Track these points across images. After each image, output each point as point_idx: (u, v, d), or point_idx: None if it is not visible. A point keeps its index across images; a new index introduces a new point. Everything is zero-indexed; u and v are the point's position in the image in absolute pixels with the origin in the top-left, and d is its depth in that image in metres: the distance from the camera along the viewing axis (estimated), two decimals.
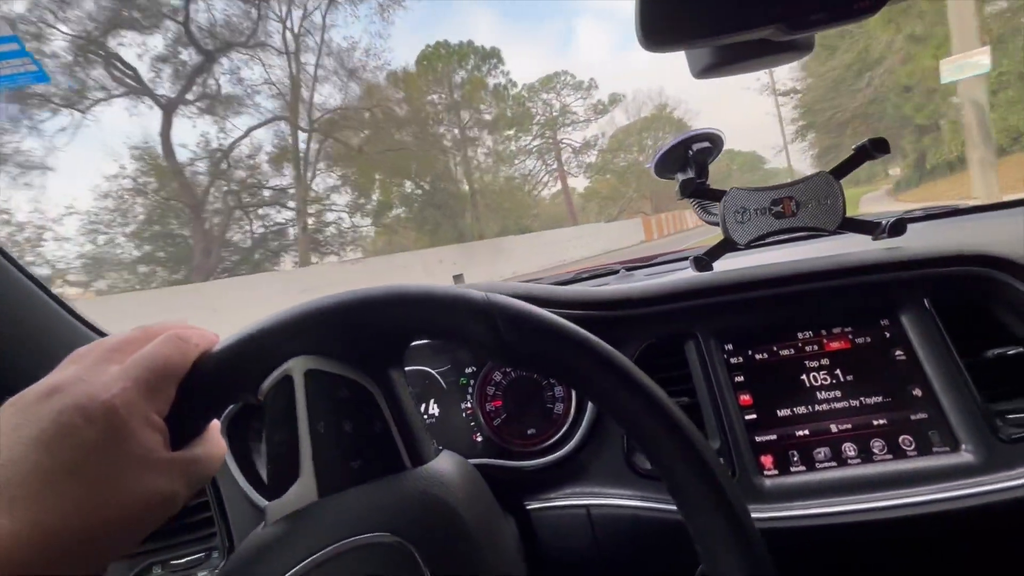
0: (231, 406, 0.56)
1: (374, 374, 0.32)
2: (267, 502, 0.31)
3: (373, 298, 0.30)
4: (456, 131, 29.84)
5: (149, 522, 0.27)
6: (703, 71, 0.53)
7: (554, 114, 37.83)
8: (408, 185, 26.41)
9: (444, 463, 0.33)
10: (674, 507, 0.51)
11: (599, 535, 0.52)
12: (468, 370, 0.65)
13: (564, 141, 39.48)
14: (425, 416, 0.65)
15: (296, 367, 0.30)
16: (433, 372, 0.66)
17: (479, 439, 0.63)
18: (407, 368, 0.65)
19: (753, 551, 0.28)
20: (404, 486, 0.30)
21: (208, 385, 0.30)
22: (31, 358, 0.56)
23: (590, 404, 0.58)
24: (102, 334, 0.69)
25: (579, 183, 42.58)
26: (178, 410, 0.28)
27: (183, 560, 0.53)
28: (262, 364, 0.30)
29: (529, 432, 0.62)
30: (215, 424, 0.33)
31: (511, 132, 35.02)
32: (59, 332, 0.61)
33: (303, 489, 0.30)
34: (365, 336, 0.31)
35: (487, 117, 32.74)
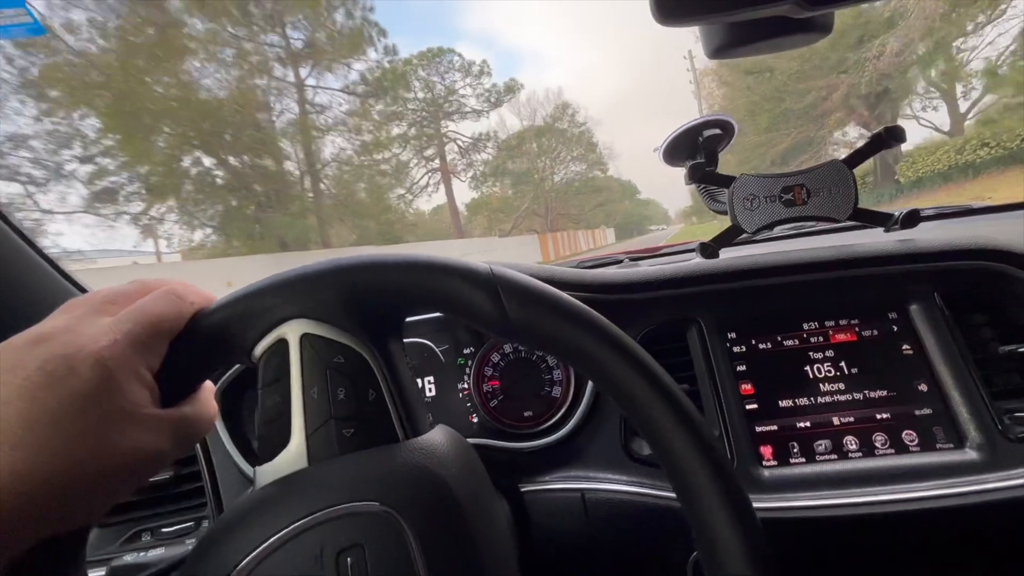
0: (226, 370, 0.55)
1: (372, 342, 0.31)
2: (256, 467, 0.30)
3: (374, 263, 0.29)
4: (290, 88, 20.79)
5: (134, 478, 0.26)
6: (717, 50, 0.52)
7: (437, 99, 30.01)
8: (204, 158, 17.19)
9: (438, 436, 0.32)
10: (669, 494, 0.50)
11: (593, 519, 0.51)
12: (467, 350, 0.65)
13: (450, 135, 32.10)
14: (424, 396, 0.64)
15: (292, 331, 0.29)
16: (433, 348, 0.65)
17: (475, 420, 0.62)
18: (407, 340, 0.65)
19: (753, 539, 0.27)
20: (396, 457, 0.29)
21: (201, 344, 0.29)
22: (22, 316, 0.56)
23: (588, 388, 0.57)
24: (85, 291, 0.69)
25: (463, 192, 35.37)
26: (169, 367, 0.28)
27: (173, 528, 0.53)
28: (257, 326, 0.29)
29: (526, 414, 0.61)
30: (208, 386, 0.32)
31: (380, 105, 26.50)
32: (51, 290, 0.61)
33: (293, 455, 0.29)
34: (364, 302, 0.30)
35: (351, 74, 23.87)
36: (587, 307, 0.30)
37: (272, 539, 0.25)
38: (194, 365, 0.30)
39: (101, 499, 0.25)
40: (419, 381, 0.65)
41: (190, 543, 0.44)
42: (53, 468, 0.22)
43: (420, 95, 29.37)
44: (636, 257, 1.01)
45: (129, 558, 0.43)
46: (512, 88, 32.81)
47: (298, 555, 0.25)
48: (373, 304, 0.30)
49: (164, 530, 0.52)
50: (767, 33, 0.49)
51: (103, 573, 0.43)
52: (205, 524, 0.54)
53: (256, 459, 0.31)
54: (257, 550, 0.25)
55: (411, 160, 29.60)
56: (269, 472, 0.29)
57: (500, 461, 0.57)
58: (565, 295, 0.30)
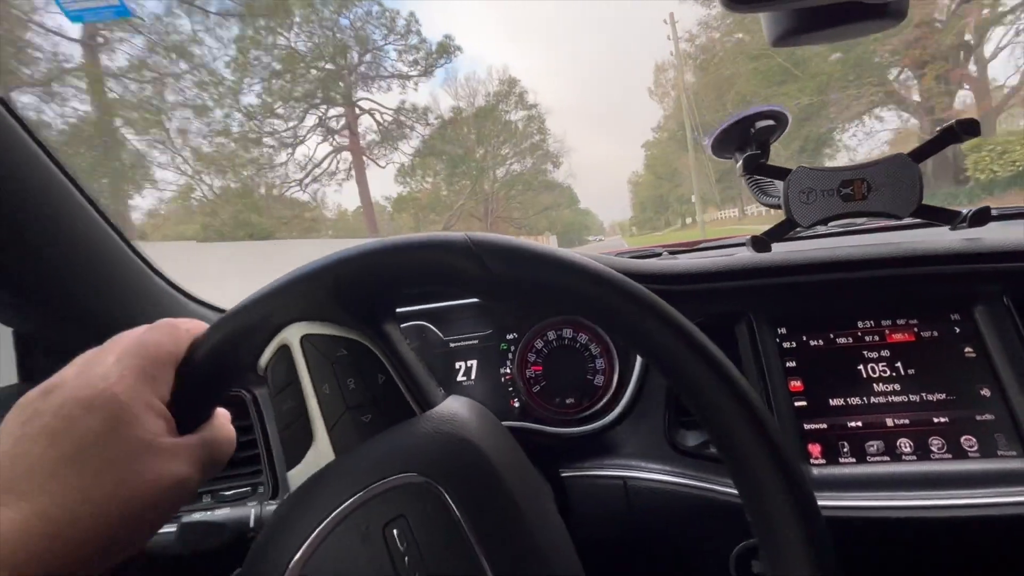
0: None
1: (370, 329, 0.32)
2: (288, 473, 0.31)
3: (354, 255, 0.30)
4: None
5: (163, 508, 0.26)
6: (781, 38, 0.50)
7: (340, 44, 21.61)
8: None
9: (452, 403, 0.33)
10: (715, 487, 0.50)
11: (634, 507, 0.52)
12: (509, 336, 0.65)
13: (363, 103, 23.70)
14: (463, 379, 0.66)
15: (291, 335, 0.30)
16: (474, 336, 0.66)
17: (516, 404, 0.63)
18: (450, 337, 0.66)
19: (816, 532, 0.26)
20: (417, 429, 0.30)
21: (206, 366, 0.30)
22: (118, 307, 0.61)
23: (633, 378, 0.58)
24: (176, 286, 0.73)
25: (387, 185, 29.08)
26: (179, 395, 0.29)
27: (231, 492, 0.56)
28: (256, 339, 0.30)
29: (567, 401, 0.62)
30: (223, 412, 0.33)
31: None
32: (149, 290, 0.67)
33: (319, 452, 0.30)
34: (354, 293, 0.30)
35: None
36: (570, 252, 0.30)
37: (317, 531, 0.26)
38: (203, 389, 0.30)
39: (134, 533, 0.25)
40: (460, 365, 0.66)
41: (251, 504, 0.47)
42: (81, 508, 0.23)
43: (319, 45, 21.01)
44: (674, 251, 0.99)
45: (198, 516, 0.46)
46: (447, 49, 24.02)
47: (345, 539, 0.26)
48: (363, 293, 0.31)
49: (223, 493, 0.55)
50: (838, 19, 0.48)
51: (174, 529, 0.46)
52: (260, 490, 0.57)
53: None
54: (305, 544, 0.26)
55: (306, 136, 22.25)
56: (301, 472, 0.30)
57: (541, 446, 0.58)
58: (545, 246, 0.30)
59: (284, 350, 0.30)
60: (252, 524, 0.46)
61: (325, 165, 23.56)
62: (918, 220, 0.64)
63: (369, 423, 0.30)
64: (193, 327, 0.31)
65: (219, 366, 0.30)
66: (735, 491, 0.49)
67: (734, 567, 0.49)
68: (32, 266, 0.51)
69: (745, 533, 0.48)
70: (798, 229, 0.63)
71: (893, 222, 0.77)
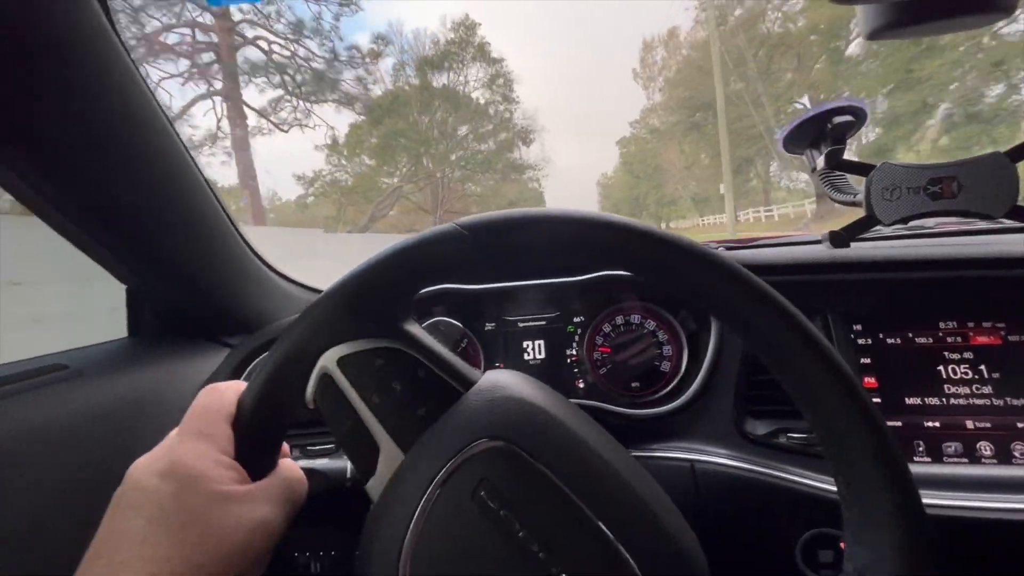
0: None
1: (395, 334, 0.34)
2: (365, 487, 0.33)
3: (361, 273, 0.31)
4: None
5: (252, 551, 0.28)
6: (878, 31, 0.50)
7: None
8: None
9: (491, 375, 0.35)
10: (786, 475, 0.51)
11: (702, 490, 0.53)
12: (576, 319, 0.67)
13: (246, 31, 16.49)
14: (529, 358, 0.68)
15: (328, 362, 0.32)
16: (541, 317, 0.68)
17: (581, 385, 0.65)
18: (517, 317, 0.68)
19: (921, 530, 0.25)
20: (468, 404, 0.32)
21: (256, 415, 0.32)
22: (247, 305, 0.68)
23: (705, 365, 0.58)
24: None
25: (305, 159, 21.40)
26: (241, 446, 0.31)
27: (316, 448, 0.60)
28: (294, 378, 0.32)
29: (633, 384, 0.63)
30: (289, 459, 0.36)
31: None
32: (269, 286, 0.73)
33: (389, 456, 0.32)
34: (370, 306, 0.32)
35: None
36: (549, 209, 0.30)
37: (414, 521, 0.28)
38: (261, 436, 0.32)
39: None
40: (527, 344, 0.68)
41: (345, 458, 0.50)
42: (176, 564, 0.25)
43: None
44: (731, 247, 0.99)
45: (302, 462, 0.50)
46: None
47: (444, 518, 0.28)
48: (378, 303, 0.32)
49: (309, 448, 0.60)
50: (942, 12, 0.47)
51: None
52: (338, 451, 0.61)
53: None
54: (408, 535, 0.28)
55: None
56: (378, 481, 0.32)
57: (605, 425, 0.60)
58: (524, 209, 0.31)
59: (325, 378, 0.32)
60: (348, 475, 0.49)
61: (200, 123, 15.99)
62: (994, 226, 0.62)
63: (425, 415, 0.32)
64: (235, 386, 0.33)
65: (268, 411, 0.32)
66: (805, 480, 0.50)
67: (801, 556, 0.49)
68: (150, 230, 0.56)
69: (813, 522, 0.49)
70: (877, 226, 0.62)
71: (971, 226, 0.75)
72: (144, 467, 0.28)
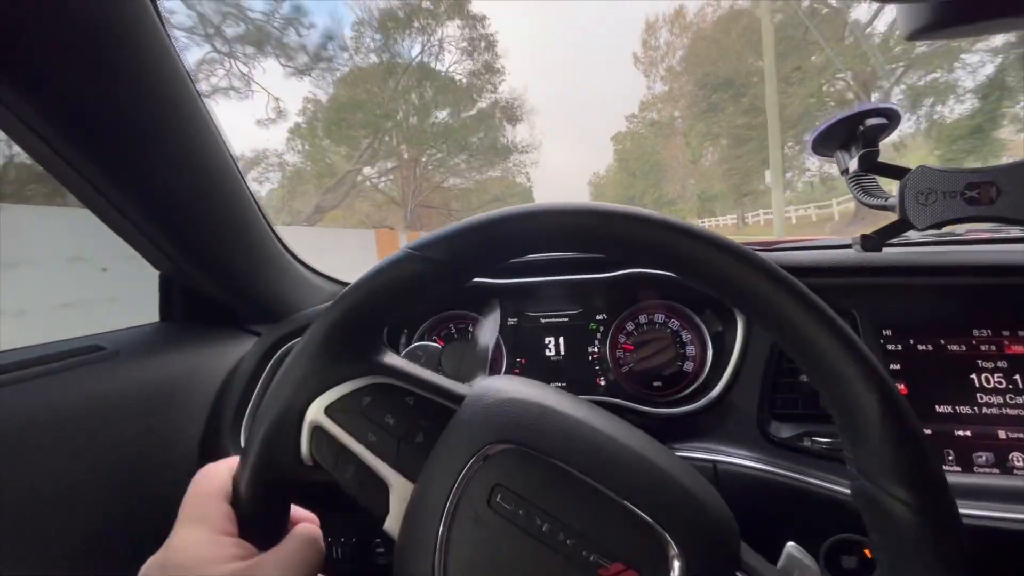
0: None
1: (375, 369, 0.34)
2: (384, 528, 0.33)
3: (328, 320, 0.32)
4: None
5: None
6: (921, 30, 0.49)
7: None
8: None
9: (479, 383, 0.35)
10: (810, 479, 0.50)
11: (724, 491, 0.53)
12: (599, 316, 0.67)
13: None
14: (551, 354, 0.68)
15: (315, 415, 0.32)
16: (564, 314, 0.68)
17: (602, 382, 0.65)
18: (539, 313, 0.69)
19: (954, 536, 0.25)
20: (462, 417, 0.32)
21: (254, 487, 0.32)
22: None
23: (729, 367, 0.58)
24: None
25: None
26: (243, 521, 0.31)
27: None
28: (287, 437, 0.32)
29: (655, 384, 0.63)
30: (308, 515, 0.36)
31: None
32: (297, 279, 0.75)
33: (399, 491, 0.32)
34: (344, 351, 0.32)
35: None
36: (495, 212, 0.31)
37: (438, 547, 0.28)
38: (264, 506, 0.32)
39: None
40: (549, 340, 0.68)
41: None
42: None
43: None
44: (759, 250, 0.98)
45: None
46: None
47: (467, 536, 0.28)
48: (351, 344, 0.33)
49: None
50: (993, 11, 0.46)
51: None
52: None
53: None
54: (435, 564, 0.28)
55: None
56: (395, 519, 0.32)
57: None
58: (475, 218, 0.31)
59: (317, 431, 0.32)
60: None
61: None
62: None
63: (424, 440, 0.32)
64: (228, 463, 0.33)
65: (265, 480, 0.32)
66: (829, 485, 0.49)
67: (824, 561, 0.49)
68: (186, 218, 0.57)
69: (836, 527, 0.49)
70: (910, 231, 0.61)
71: (1003, 234, 0.73)
72: (149, 564, 0.28)
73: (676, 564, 0.26)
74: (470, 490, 0.29)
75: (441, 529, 0.28)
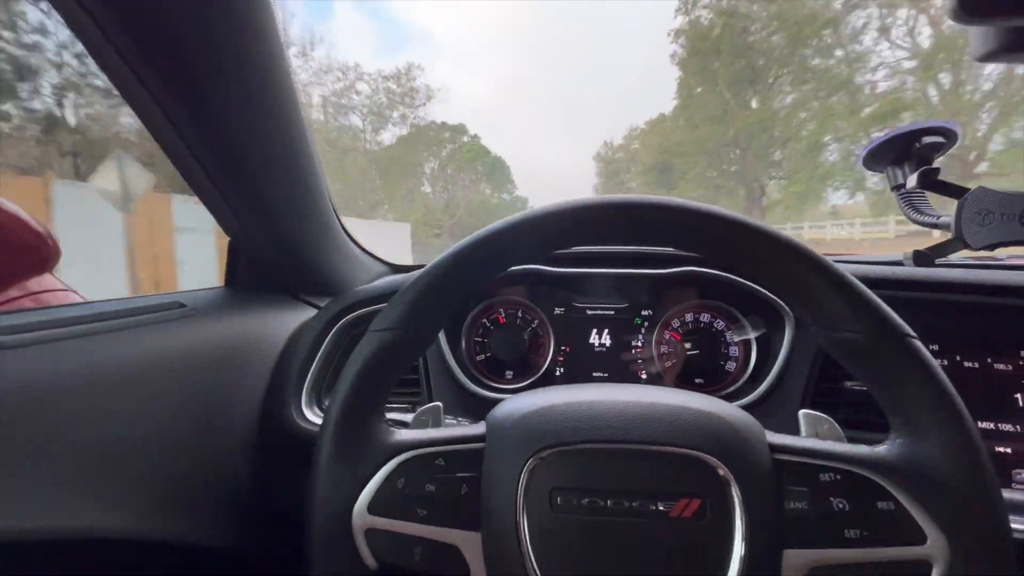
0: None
1: (394, 451, 0.35)
2: None
3: (333, 425, 0.35)
4: None
5: None
6: (994, 53, 0.49)
7: None
8: None
9: (491, 415, 0.37)
10: None
11: None
12: (645, 312, 0.69)
13: None
14: (595, 344, 0.70)
15: (360, 519, 0.33)
16: (610, 307, 0.70)
17: (644, 376, 0.67)
18: (587, 304, 0.71)
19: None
20: (493, 452, 0.35)
21: None
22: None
23: (775, 368, 0.60)
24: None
25: None
26: None
27: (394, 406, 0.64)
28: (345, 551, 0.33)
29: (697, 381, 0.65)
30: None
31: None
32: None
33: (469, 547, 0.33)
34: (359, 451, 0.35)
35: None
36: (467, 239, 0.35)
37: (528, 561, 0.31)
38: None
39: None
40: (594, 331, 0.70)
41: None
42: None
43: None
44: None
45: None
46: None
47: (548, 549, 0.31)
48: (361, 438, 0.35)
49: (387, 406, 0.64)
50: None
51: None
52: (417, 408, 0.65)
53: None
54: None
55: None
56: (477, 573, 0.33)
57: None
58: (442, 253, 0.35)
59: (370, 533, 0.34)
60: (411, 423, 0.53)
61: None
62: None
63: (468, 490, 0.34)
64: None
65: None
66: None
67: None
68: (261, 185, 0.60)
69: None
70: (962, 250, 0.62)
71: None
72: None
73: (728, 475, 0.31)
74: (531, 507, 0.31)
75: (525, 554, 0.31)
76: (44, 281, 0.66)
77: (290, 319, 0.69)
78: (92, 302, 0.52)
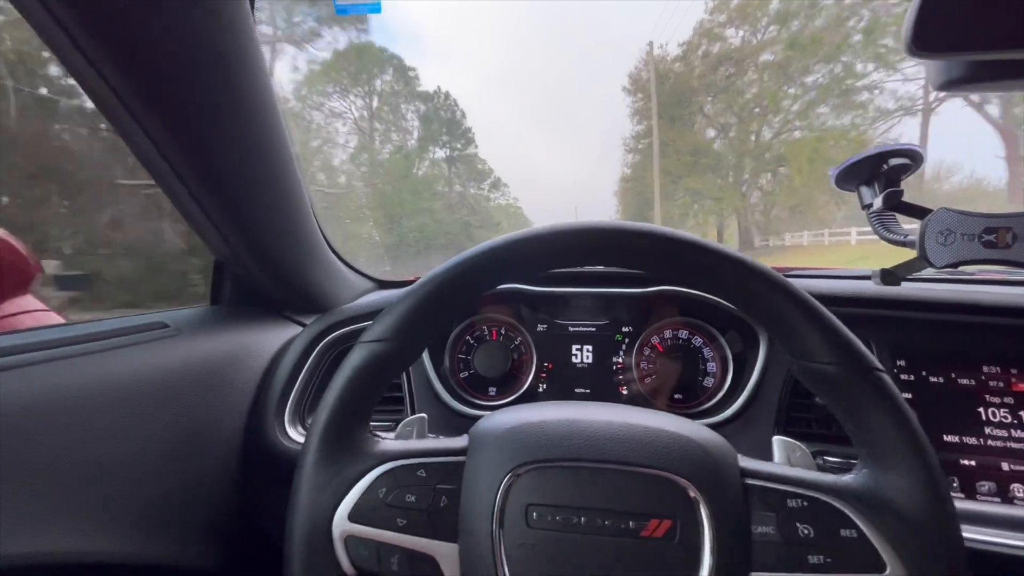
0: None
1: (377, 459, 0.36)
2: None
3: (318, 434, 0.36)
4: None
5: None
6: (950, 83, 0.52)
7: None
8: None
9: (473, 429, 0.38)
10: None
11: None
12: (625, 328, 0.71)
13: None
14: (576, 361, 0.71)
15: (341, 526, 0.34)
16: (591, 324, 0.72)
17: (625, 392, 0.68)
18: (569, 322, 0.72)
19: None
20: (474, 466, 0.35)
21: None
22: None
23: (749, 384, 0.61)
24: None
25: None
26: None
27: (376, 424, 0.64)
28: (324, 557, 0.34)
29: (675, 396, 0.66)
30: None
31: None
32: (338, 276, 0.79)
33: (447, 557, 0.34)
34: (341, 459, 0.36)
35: None
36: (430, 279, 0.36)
37: (501, 572, 0.31)
38: None
39: None
40: (576, 348, 0.72)
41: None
42: None
43: None
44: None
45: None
46: None
47: (520, 555, 0.32)
48: (344, 446, 0.36)
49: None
50: (1018, 71, 0.49)
51: None
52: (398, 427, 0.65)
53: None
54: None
55: None
56: None
57: None
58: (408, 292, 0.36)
59: (350, 540, 0.34)
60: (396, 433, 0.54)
61: None
62: None
63: (448, 502, 0.35)
64: None
65: None
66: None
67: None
68: (247, 207, 0.60)
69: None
70: (926, 269, 0.64)
71: (1013, 276, 0.76)
72: None
73: (698, 497, 0.31)
74: (507, 521, 0.32)
75: (499, 567, 0.32)
76: (24, 302, 0.66)
77: (275, 337, 0.69)
78: (73, 324, 0.52)
